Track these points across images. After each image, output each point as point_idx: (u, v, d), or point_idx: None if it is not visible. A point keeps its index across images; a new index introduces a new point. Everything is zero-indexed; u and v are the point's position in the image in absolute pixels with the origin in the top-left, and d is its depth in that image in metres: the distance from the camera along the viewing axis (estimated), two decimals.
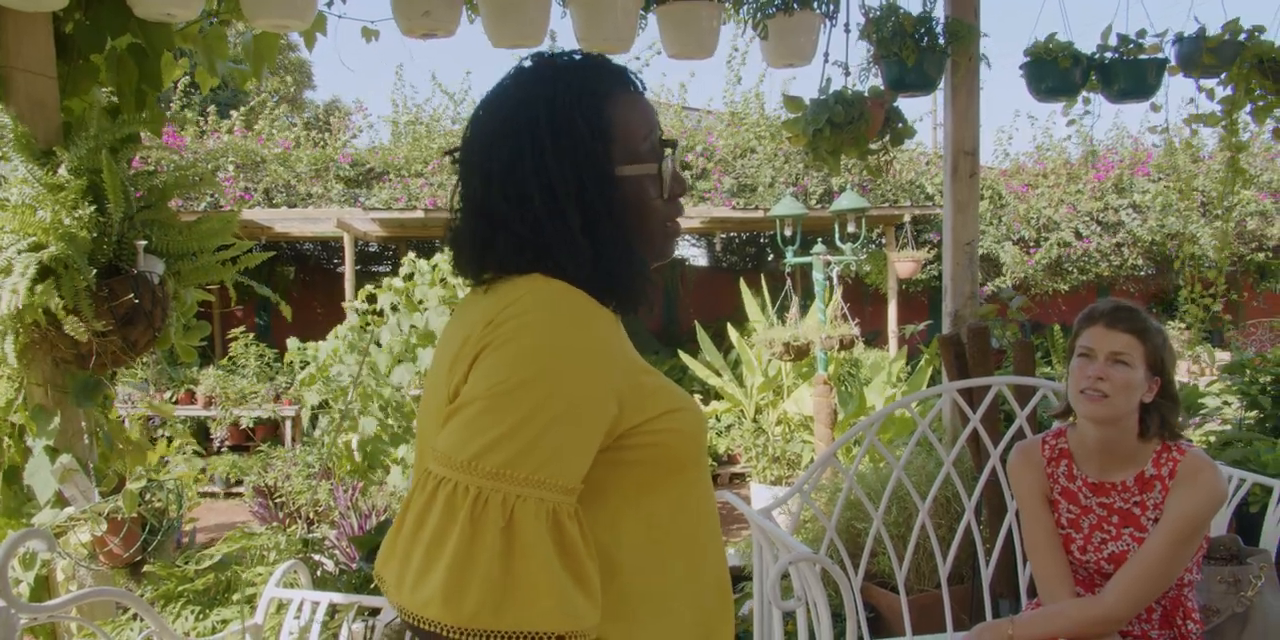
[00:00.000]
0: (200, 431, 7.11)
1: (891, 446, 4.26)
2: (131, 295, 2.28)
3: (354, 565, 3.21)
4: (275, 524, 3.91)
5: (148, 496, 2.49)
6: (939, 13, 3.11)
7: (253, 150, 8.31)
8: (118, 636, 2.66)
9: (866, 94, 3.09)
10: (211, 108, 8.93)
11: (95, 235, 2.25)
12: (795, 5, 2.89)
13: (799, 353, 5.23)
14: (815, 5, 2.93)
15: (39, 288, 2.17)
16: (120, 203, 2.28)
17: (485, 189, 1.01)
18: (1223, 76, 3.13)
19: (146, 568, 2.69)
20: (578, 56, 1.06)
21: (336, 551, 3.36)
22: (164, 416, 4.32)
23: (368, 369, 4.79)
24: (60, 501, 2.39)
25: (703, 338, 6.99)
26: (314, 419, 5.76)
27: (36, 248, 2.20)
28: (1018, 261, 8.97)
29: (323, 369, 5.02)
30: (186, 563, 2.99)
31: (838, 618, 2.45)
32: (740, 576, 3.38)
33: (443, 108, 9.45)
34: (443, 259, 5.12)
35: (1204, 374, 7.12)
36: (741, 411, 6.73)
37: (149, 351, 2.48)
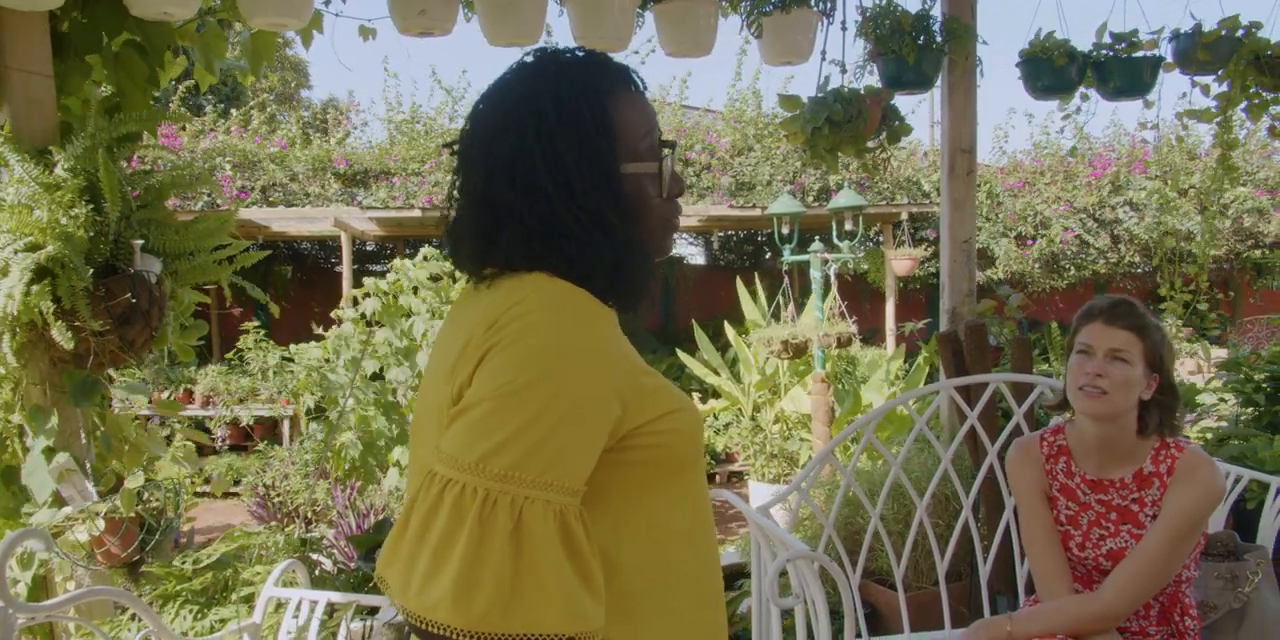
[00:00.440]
0: (199, 431, 7.11)
1: (889, 444, 4.26)
2: (129, 295, 2.28)
3: (352, 564, 3.22)
4: (273, 523, 3.91)
5: (145, 496, 2.49)
6: (936, 11, 3.11)
7: (250, 150, 8.30)
8: (116, 636, 2.65)
9: (864, 92, 3.09)
10: (210, 108, 8.91)
11: (92, 235, 2.25)
12: (792, 3, 2.88)
13: (797, 351, 5.23)
14: (812, 3, 2.92)
15: (35, 288, 2.17)
16: (117, 202, 2.28)
17: (489, 181, 1.00)
18: (1219, 73, 3.12)
19: (144, 567, 2.69)
20: (580, 53, 1.06)
21: (334, 551, 3.36)
22: (168, 415, 4.31)
23: (360, 377, 4.78)
24: (58, 501, 2.39)
25: (700, 336, 6.99)
26: (311, 414, 5.75)
27: (33, 248, 2.19)
28: (1013, 256, 8.97)
29: (319, 372, 5.01)
30: (184, 562, 2.99)
31: (836, 615, 2.45)
32: (739, 574, 3.38)
33: (442, 106, 9.45)
34: (429, 252, 5.06)
35: (1201, 372, 7.12)
36: (739, 410, 6.73)
37: (147, 351, 2.48)
